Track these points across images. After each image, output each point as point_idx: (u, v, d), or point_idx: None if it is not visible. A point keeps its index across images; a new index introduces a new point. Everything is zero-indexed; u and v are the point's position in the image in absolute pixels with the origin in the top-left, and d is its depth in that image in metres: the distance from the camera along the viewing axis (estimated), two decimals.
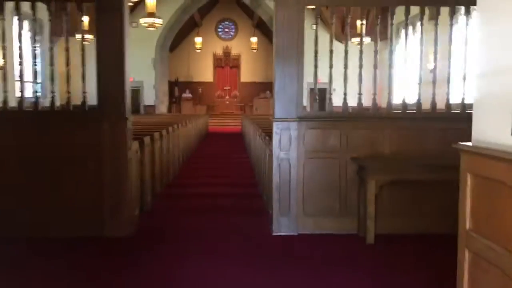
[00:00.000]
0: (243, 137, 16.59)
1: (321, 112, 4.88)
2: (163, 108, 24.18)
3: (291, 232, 4.76)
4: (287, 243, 4.55)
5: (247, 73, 29.20)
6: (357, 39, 19.94)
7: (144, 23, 16.17)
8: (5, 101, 4.65)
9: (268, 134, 6.36)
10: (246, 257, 4.13)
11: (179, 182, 7.77)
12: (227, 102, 27.99)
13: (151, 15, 15.86)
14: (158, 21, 16.35)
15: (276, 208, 4.76)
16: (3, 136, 4.58)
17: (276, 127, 4.70)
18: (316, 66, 4.90)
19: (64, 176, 4.63)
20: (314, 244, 4.52)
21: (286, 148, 4.73)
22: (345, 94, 4.86)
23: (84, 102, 4.70)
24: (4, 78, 4.84)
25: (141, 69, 23.48)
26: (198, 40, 25.93)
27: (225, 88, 28.83)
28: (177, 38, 25.86)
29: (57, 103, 5.06)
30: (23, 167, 4.61)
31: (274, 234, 4.76)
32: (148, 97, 23.94)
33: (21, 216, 4.60)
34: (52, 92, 4.71)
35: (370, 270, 3.86)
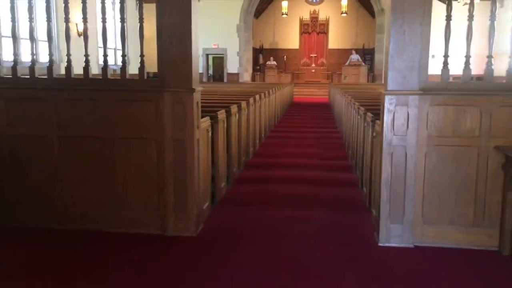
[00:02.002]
0: (331, 108, 15.25)
1: (453, 82, 3.52)
2: (246, 76, 23.36)
3: (405, 243, 3.56)
4: (400, 259, 3.37)
5: (335, 39, 27.39)
6: None
7: None
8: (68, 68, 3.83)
9: (370, 109, 5.10)
10: (341, 278, 3.02)
11: (260, 162, 6.75)
12: (313, 70, 26.48)
13: None
14: None
15: (384, 211, 3.56)
16: (44, 111, 3.80)
17: (389, 102, 3.46)
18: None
19: (117, 162, 3.77)
20: (437, 262, 3.30)
21: (402, 131, 3.47)
22: (489, 57, 3.46)
23: (142, 68, 3.76)
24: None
25: (225, 36, 22.79)
26: (284, 4, 24.50)
27: (311, 55, 27.31)
28: (262, 3, 24.70)
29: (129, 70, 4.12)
30: (65, 150, 3.81)
31: (381, 244, 3.58)
32: (232, 65, 23.26)
33: (65, 206, 3.85)
34: (105, 55, 3.81)
35: None
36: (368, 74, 22.70)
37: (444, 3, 3.53)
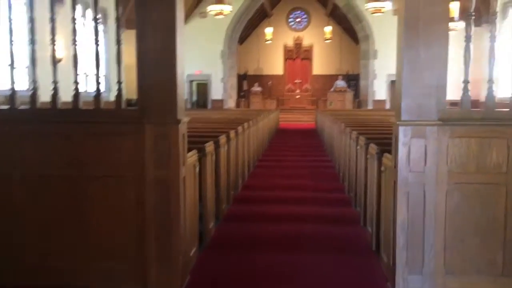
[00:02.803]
0: (319, 135, 14.88)
1: (476, 110, 3.11)
2: (231, 103, 22.98)
3: None
4: None
5: (320, 65, 27.35)
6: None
7: (211, 10, 14.89)
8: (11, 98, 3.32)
9: (369, 137, 4.67)
10: None
11: (250, 196, 6.24)
12: (298, 96, 26.24)
13: (220, 1, 14.54)
14: (226, 9, 15.01)
15: (401, 259, 3.08)
16: (5, 146, 3.27)
17: (403, 134, 3.02)
18: None
19: (89, 205, 3.24)
20: None
21: (419, 167, 3.03)
22: None
23: (119, 97, 3.27)
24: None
25: (209, 62, 22.48)
26: (268, 31, 24.39)
27: (296, 81, 27.14)
28: (246, 30, 24.55)
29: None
30: (29, 192, 3.27)
31: None
32: (216, 91, 22.88)
33: (30, 259, 3.29)
34: (76, 82, 3.32)
35: None
36: (353, 100, 22.51)
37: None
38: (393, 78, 21.91)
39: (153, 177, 3.17)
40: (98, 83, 3.31)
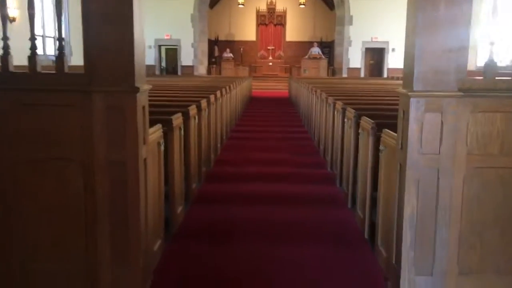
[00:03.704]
0: (293, 103, 14.31)
1: (503, 79, 2.56)
2: (202, 69, 22.11)
3: None
4: None
5: (293, 32, 26.56)
6: None
7: None
8: None
9: (357, 109, 4.12)
10: None
11: (223, 172, 5.65)
12: (271, 64, 25.53)
13: None
14: None
15: (408, 258, 2.57)
16: None
17: (415, 108, 2.46)
18: None
19: (24, 195, 2.59)
20: None
21: (433, 148, 2.49)
22: None
23: (61, 56, 2.58)
24: None
25: (179, 26, 21.43)
26: None
27: (268, 47, 26.38)
28: None
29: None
30: None
31: None
32: (186, 57, 21.93)
33: None
34: (4, 38, 2.60)
35: None
36: (328, 67, 21.96)
37: None
38: (369, 46, 21.70)
39: (105, 159, 2.53)
40: (33, 38, 2.60)
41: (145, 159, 2.67)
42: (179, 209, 3.87)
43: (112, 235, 2.61)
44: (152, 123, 3.12)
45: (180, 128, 3.88)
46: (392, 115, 4.27)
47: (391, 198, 2.82)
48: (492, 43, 2.54)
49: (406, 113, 2.52)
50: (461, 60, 2.43)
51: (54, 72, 2.56)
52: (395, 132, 2.96)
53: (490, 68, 2.52)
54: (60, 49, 2.60)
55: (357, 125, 4.09)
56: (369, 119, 3.63)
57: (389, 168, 2.93)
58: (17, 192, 2.58)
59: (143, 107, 2.63)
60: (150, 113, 3.42)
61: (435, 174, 2.51)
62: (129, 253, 2.62)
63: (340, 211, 4.25)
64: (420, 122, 2.46)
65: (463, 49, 2.42)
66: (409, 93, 2.45)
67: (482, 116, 2.49)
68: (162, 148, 3.19)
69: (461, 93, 2.43)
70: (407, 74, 2.53)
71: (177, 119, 3.77)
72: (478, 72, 2.37)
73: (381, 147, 3.12)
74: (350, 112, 4.36)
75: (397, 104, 5.56)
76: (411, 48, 2.47)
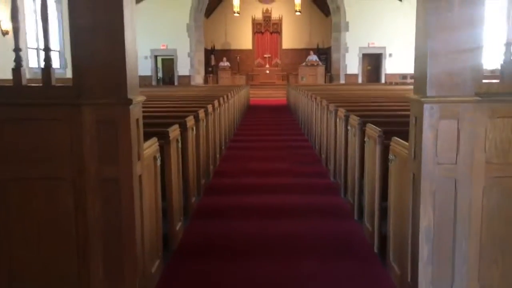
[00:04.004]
0: (291, 111, 14.16)
1: None
2: (199, 79, 21.97)
3: None
4: None
5: (289, 39, 26.47)
6: None
7: None
8: None
9: (361, 115, 3.96)
10: None
11: (223, 184, 5.47)
12: (268, 71, 25.41)
13: None
14: None
15: (425, 275, 2.39)
16: None
17: (430, 114, 2.29)
18: None
19: (10, 216, 2.40)
20: None
21: (450, 157, 2.32)
22: None
23: (48, 69, 2.41)
24: None
25: (175, 36, 21.34)
26: (235, 2, 23.29)
27: (265, 55, 26.27)
28: (213, 1, 23.37)
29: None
30: None
31: None
32: (183, 67, 21.80)
33: None
34: None
35: None
36: (325, 74, 21.84)
37: None
38: (365, 51, 21.61)
39: (97, 177, 2.35)
40: (17, 49, 2.42)
41: (140, 176, 2.49)
42: (178, 225, 3.68)
43: (106, 258, 2.42)
44: (148, 136, 2.95)
45: (177, 141, 3.70)
46: (399, 122, 4.12)
47: (403, 209, 2.65)
48: (509, 44, 2.38)
49: (419, 120, 2.35)
50: (477, 61, 2.26)
51: (40, 85, 2.39)
52: (405, 140, 2.81)
53: (507, 70, 2.36)
54: (47, 60, 2.43)
55: (362, 132, 3.93)
56: (375, 127, 3.46)
57: (400, 179, 2.75)
58: (4, 212, 2.39)
59: (137, 120, 2.46)
60: (146, 125, 3.27)
61: (452, 184, 2.33)
62: (124, 277, 2.44)
63: (346, 223, 4.07)
64: (434, 129, 2.30)
65: (478, 50, 2.26)
66: (422, 99, 2.28)
67: (501, 122, 2.32)
68: (159, 162, 3.01)
69: (478, 98, 2.26)
70: (419, 79, 2.37)
71: (174, 131, 3.60)
72: (486, 75, 2.23)
73: (390, 157, 2.95)
74: (354, 120, 4.19)
75: (402, 110, 5.44)
76: (423, 51, 2.31)
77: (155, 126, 3.86)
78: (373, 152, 3.46)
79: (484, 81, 2.30)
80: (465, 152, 2.31)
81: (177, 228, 3.64)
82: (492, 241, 2.40)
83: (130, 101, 2.31)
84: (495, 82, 2.36)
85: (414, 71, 2.44)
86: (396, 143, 2.87)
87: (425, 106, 2.28)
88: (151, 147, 2.87)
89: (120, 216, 2.39)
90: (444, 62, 2.24)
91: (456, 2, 2.21)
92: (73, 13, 2.28)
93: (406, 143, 2.65)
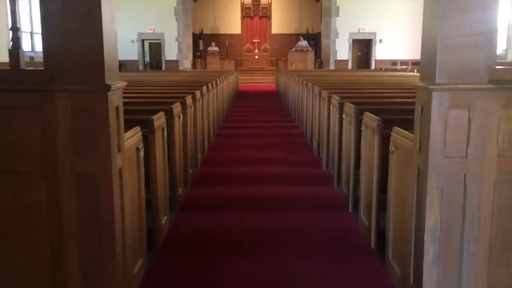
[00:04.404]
0: (281, 97, 13.94)
1: None
2: (187, 64, 21.60)
3: None
4: None
5: (279, 24, 26.06)
6: None
7: None
8: None
9: (356, 102, 3.77)
10: None
11: (212, 174, 5.25)
12: (257, 57, 25.09)
13: None
14: None
15: (430, 277, 2.21)
16: None
17: (439, 103, 2.09)
18: None
19: None
20: None
21: (460, 150, 2.13)
22: None
23: (15, 52, 2.16)
24: None
25: (162, 20, 20.87)
26: None
27: (254, 40, 25.91)
28: None
29: None
30: None
31: None
32: (171, 51, 21.39)
33: None
34: None
35: None
36: (315, 60, 21.59)
37: None
38: (356, 37, 21.37)
39: (72, 171, 2.12)
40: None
41: (120, 169, 2.27)
42: (164, 219, 3.47)
43: (83, 260, 2.21)
44: (131, 125, 2.73)
45: (163, 129, 3.47)
46: (397, 110, 3.94)
47: (405, 204, 2.47)
48: None
49: (426, 109, 2.15)
50: (491, 46, 2.06)
51: (7, 68, 2.14)
52: (405, 129, 2.62)
53: None
54: (15, 40, 2.18)
55: (358, 121, 3.73)
56: (373, 115, 3.26)
57: (403, 172, 2.57)
58: None
59: (117, 108, 2.22)
60: (129, 112, 3.06)
61: (461, 179, 2.15)
62: (103, 280, 2.23)
63: (340, 216, 3.89)
64: (443, 120, 2.10)
65: (493, 34, 2.06)
66: (431, 87, 2.07)
67: None
68: (142, 153, 2.79)
69: (492, 86, 2.07)
70: (427, 65, 2.16)
71: (159, 119, 3.36)
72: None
73: (391, 148, 2.76)
74: (349, 107, 3.99)
75: (400, 97, 5.25)
76: (431, 34, 2.10)
77: (139, 114, 3.63)
78: (371, 142, 3.27)
79: (498, 67, 2.11)
80: (476, 145, 2.12)
81: (163, 222, 3.43)
82: (502, 241, 2.22)
83: (108, 87, 2.08)
84: (510, 69, 2.16)
85: (421, 56, 2.23)
86: (398, 133, 2.67)
87: (434, 94, 2.08)
88: (133, 137, 2.64)
89: (98, 214, 2.17)
90: (455, 47, 2.04)
91: None
92: None
93: (409, 134, 2.46)
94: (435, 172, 2.14)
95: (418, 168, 2.25)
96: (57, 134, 2.10)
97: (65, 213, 2.16)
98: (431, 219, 2.18)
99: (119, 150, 2.25)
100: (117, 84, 2.19)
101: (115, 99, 2.20)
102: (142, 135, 2.88)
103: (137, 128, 2.76)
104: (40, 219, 2.17)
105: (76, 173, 2.13)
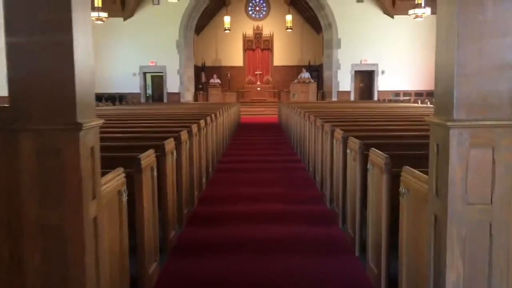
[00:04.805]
0: (283, 129, 13.72)
1: None
2: (188, 96, 21.52)
3: None
4: None
5: (281, 56, 26.16)
6: (414, 11, 16.71)
7: None
8: None
9: (360, 136, 3.51)
10: None
11: (209, 213, 4.94)
12: (259, 89, 25.08)
13: None
14: None
15: None
16: None
17: (458, 142, 1.82)
18: None
19: None
20: None
21: (484, 196, 1.84)
22: None
23: None
24: None
25: (164, 53, 20.93)
26: (226, 19, 23.07)
27: (256, 72, 25.96)
28: (203, 18, 23.04)
29: None
30: None
31: None
32: (172, 84, 21.34)
33: None
34: None
35: None
36: (317, 91, 21.49)
37: None
38: (358, 68, 21.33)
39: (35, 222, 1.85)
40: None
41: (95, 218, 1.99)
42: (152, 267, 3.16)
43: None
44: (116, 164, 2.47)
45: (152, 168, 3.20)
46: (406, 145, 3.68)
47: (420, 255, 2.18)
48: None
49: (443, 148, 1.88)
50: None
51: None
52: (416, 167, 2.35)
53: None
54: None
55: (364, 157, 3.46)
56: (380, 152, 2.99)
57: (416, 216, 2.28)
58: None
59: (92, 149, 1.96)
60: (117, 150, 2.80)
61: (486, 230, 1.85)
62: None
63: (346, 261, 3.57)
64: (464, 160, 1.82)
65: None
66: (448, 123, 1.81)
67: None
68: (125, 197, 2.51)
69: None
70: (442, 98, 1.90)
71: (147, 158, 3.10)
72: None
73: (402, 190, 2.47)
74: (354, 143, 3.73)
75: (408, 130, 4.98)
76: (447, 63, 1.85)
77: (127, 151, 3.39)
78: (378, 182, 2.99)
79: None
80: (502, 189, 1.83)
81: (151, 270, 3.12)
82: None
83: (79, 126, 1.82)
84: None
85: (436, 89, 1.98)
86: (409, 173, 2.40)
87: (452, 131, 1.81)
88: (114, 179, 2.37)
89: (66, 270, 1.88)
90: (476, 78, 1.79)
91: (490, 3, 1.76)
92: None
93: (423, 175, 2.19)
94: (455, 221, 1.85)
95: (436, 216, 1.96)
96: (20, 180, 1.83)
97: (29, 267, 1.87)
98: (453, 275, 1.87)
99: (94, 197, 1.97)
100: (92, 122, 1.93)
101: (90, 139, 1.94)
102: (128, 175, 2.62)
103: (120, 170, 2.49)
104: (2, 272, 1.88)
105: (41, 224, 1.85)
